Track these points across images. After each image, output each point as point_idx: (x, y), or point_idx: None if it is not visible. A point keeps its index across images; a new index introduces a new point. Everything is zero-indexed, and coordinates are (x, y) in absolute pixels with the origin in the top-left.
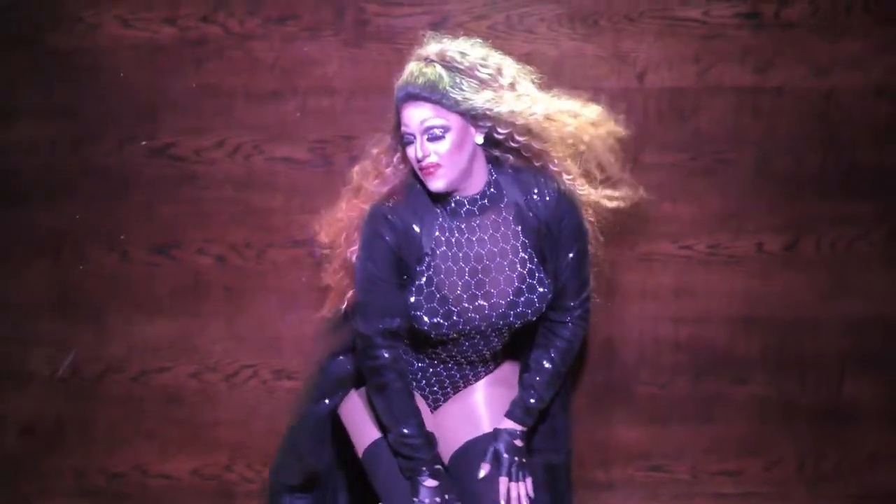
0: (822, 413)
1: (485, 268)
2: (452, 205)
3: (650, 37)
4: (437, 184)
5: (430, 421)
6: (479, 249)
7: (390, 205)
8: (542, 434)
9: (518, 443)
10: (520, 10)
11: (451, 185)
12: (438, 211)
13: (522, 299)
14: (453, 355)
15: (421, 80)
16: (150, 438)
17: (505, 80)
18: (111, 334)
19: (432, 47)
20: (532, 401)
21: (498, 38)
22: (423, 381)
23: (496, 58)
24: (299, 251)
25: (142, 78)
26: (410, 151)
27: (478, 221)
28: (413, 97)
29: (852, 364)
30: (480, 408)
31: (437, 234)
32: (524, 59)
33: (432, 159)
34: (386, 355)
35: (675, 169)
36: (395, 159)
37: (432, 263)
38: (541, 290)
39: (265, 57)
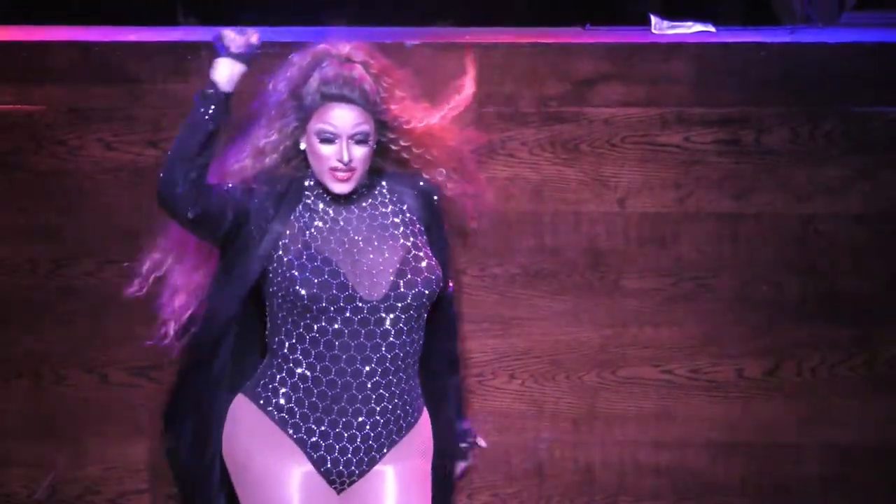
0: None
1: (362, 249)
2: (325, 195)
3: (631, 162)
4: (344, 187)
5: None
6: (357, 230)
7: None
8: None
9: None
10: (501, 135)
11: (352, 189)
12: (310, 196)
13: (403, 280)
14: (343, 347)
15: (354, 83)
16: None
17: (400, 93)
18: (89, 456)
19: (344, 46)
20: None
21: (479, 161)
22: (306, 404)
23: (393, 68)
24: None
25: (123, 200)
26: (327, 150)
27: (353, 207)
28: (346, 99)
29: (834, 491)
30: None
31: (308, 214)
32: (506, 182)
33: (353, 164)
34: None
35: (657, 294)
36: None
37: (305, 235)
38: (426, 274)
39: None
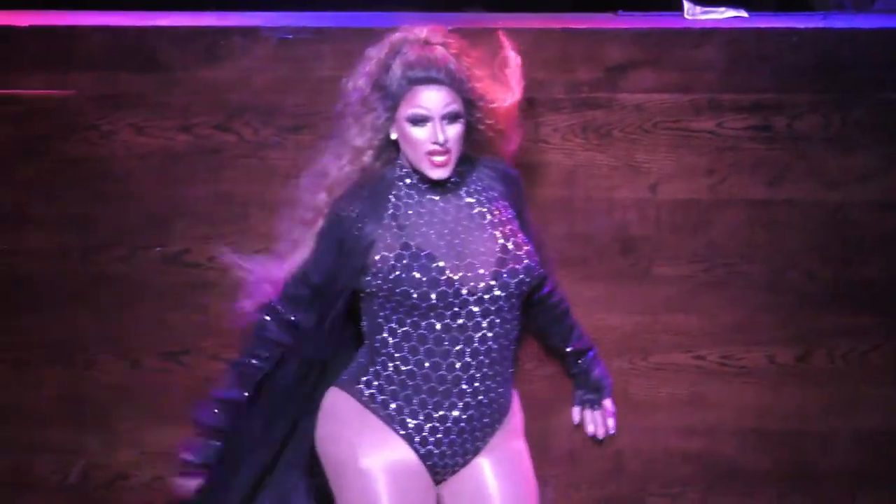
0: None
1: (462, 240)
2: (420, 184)
3: (663, 148)
4: (442, 172)
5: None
6: (455, 220)
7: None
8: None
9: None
10: (534, 120)
11: (450, 174)
12: (402, 187)
13: (506, 270)
14: (453, 341)
15: (440, 64)
16: None
17: (479, 72)
18: (121, 441)
19: (421, 31)
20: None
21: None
22: (415, 401)
23: (459, 42)
24: None
25: (155, 185)
26: (421, 134)
27: (449, 195)
28: (435, 81)
29: (864, 478)
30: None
31: (402, 207)
32: (538, 168)
33: (449, 144)
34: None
35: (688, 280)
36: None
37: (403, 231)
38: (526, 261)
39: (280, 165)
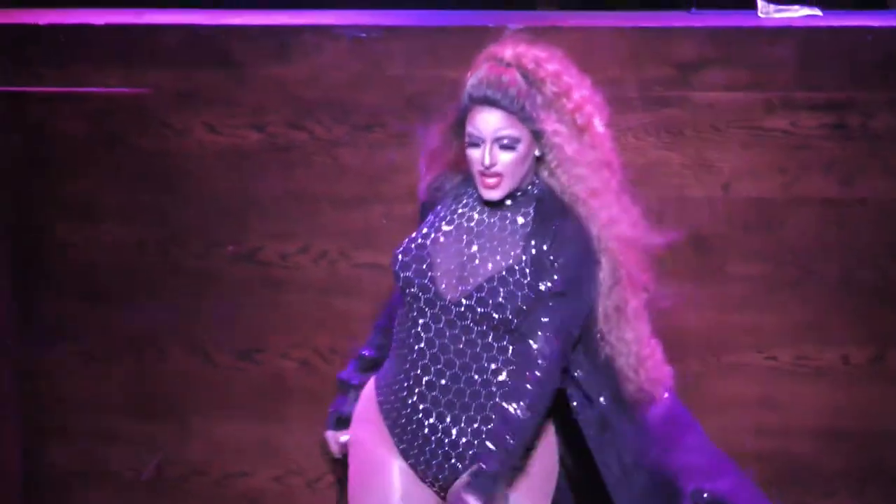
0: None
1: (470, 252)
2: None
3: (736, 147)
4: (493, 194)
5: None
6: (478, 234)
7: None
8: None
9: None
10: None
11: (504, 196)
12: (467, 197)
13: (483, 294)
14: (430, 343)
15: (501, 87)
16: None
17: (569, 105)
18: (194, 437)
19: (509, 49)
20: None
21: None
22: (392, 398)
23: (568, 77)
24: None
25: (228, 182)
26: (475, 154)
27: (495, 211)
28: (491, 102)
29: None
30: None
31: (451, 209)
32: None
33: (497, 169)
34: None
35: (761, 280)
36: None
37: (433, 226)
38: (502, 300)
39: (352, 163)
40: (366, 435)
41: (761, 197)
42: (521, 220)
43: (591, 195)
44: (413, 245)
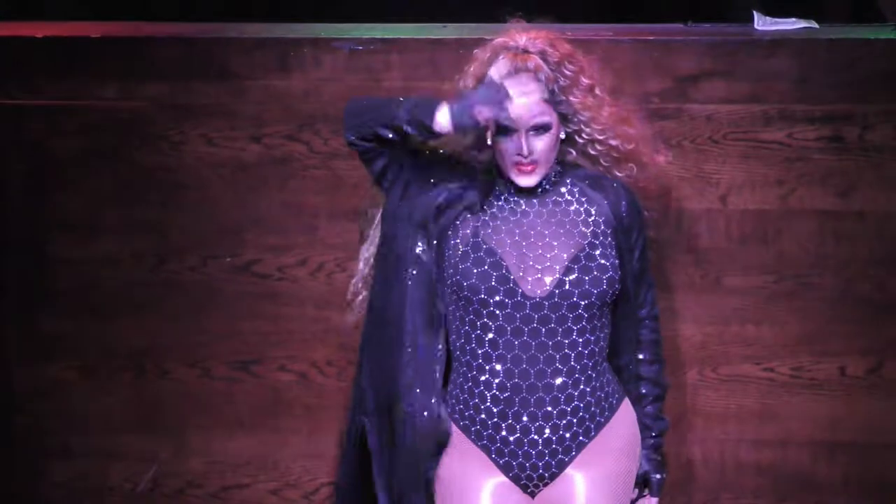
0: None
1: (533, 242)
2: (511, 185)
3: (733, 159)
4: (530, 180)
5: None
6: (531, 223)
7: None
8: None
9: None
10: None
11: (540, 180)
12: (500, 188)
13: (570, 279)
14: (507, 346)
15: (530, 75)
16: None
17: (587, 81)
18: (191, 450)
19: (522, 37)
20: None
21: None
22: (482, 409)
23: (579, 56)
24: None
25: (225, 195)
26: (508, 145)
27: (535, 199)
28: (524, 92)
29: None
30: None
31: (492, 204)
32: None
33: (535, 157)
34: None
35: (758, 292)
36: None
37: (479, 224)
38: (596, 274)
39: (349, 175)
40: (454, 467)
41: (759, 209)
42: (569, 197)
43: (634, 149)
44: (470, 252)
